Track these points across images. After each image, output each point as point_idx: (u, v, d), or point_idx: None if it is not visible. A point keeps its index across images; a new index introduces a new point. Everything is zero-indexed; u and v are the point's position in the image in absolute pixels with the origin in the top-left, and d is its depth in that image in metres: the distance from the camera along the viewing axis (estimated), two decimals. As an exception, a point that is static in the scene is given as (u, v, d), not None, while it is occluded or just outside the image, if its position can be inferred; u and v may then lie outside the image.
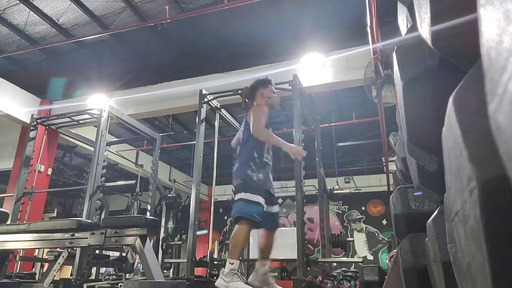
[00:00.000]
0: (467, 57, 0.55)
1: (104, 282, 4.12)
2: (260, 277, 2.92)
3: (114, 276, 5.20)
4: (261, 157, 3.01)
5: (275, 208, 3.12)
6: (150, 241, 2.94)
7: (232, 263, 2.74)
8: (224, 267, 2.84)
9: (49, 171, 7.47)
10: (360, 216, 11.46)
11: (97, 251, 4.75)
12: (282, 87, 4.24)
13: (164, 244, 5.45)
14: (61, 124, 5.59)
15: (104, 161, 4.64)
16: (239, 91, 4.11)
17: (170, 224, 8.63)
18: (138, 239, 2.79)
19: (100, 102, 6.42)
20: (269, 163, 3.10)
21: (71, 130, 6.07)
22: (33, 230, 3.08)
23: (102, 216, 5.60)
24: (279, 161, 9.95)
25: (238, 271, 2.78)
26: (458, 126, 0.41)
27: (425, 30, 0.59)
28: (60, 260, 3.17)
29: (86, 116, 5.20)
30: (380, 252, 10.75)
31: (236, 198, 2.90)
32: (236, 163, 3.08)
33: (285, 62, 6.29)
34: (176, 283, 3.20)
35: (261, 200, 2.85)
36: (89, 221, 3.55)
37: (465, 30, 0.49)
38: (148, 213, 5.22)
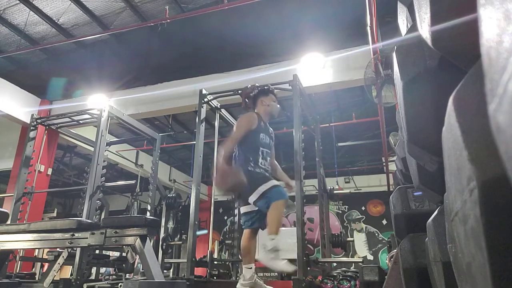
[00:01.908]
0: (467, 57, 0.55)
1: (104, 282, 4.12)
2: (247, 282, 2.90)
3: (114, 276, 5.20)
4: (256, 162, 3.06)
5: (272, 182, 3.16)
6: (150, 241, 2.94)
7: (274, 239, 2.76)
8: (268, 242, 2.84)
9: (49, 171, 7.47)
10: (360, 216, 11.46)
11: (97, 251, 4.75)
12: (282, 87, 4.24)
13: (164, 244, 5.44)
14: (61, 124, 5.59)
15: (104, 161, 4.64)
16: (239, 91, 4.10)
17: (170, 224, 8.63)
18: (138, 239, 2.79)
19: (100, 102, 6.42)
20: (265, 168, 3.13)
21: (71, 130, 6.07)
22: (33, 230, 3.08)
23: (102, 216, 5.60)
24: (279, 161, 9.97)
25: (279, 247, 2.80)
26: (458, 126, 0.41)
27: (425, 30, 0.59)
28: (60, 260, 3.17)
29: (86, 116, 5.20)
30: (380, 252, 10.75)
31: (256, 198, 2.86)
32: (235, 165, 3.11)
33: (285, 62, 6.29)
34: (176, 283, 3.20)
35: (276, 182, 2.94)
36: (89, 221, 3.55)
37: (465, 30, 0.49)
38: (148, 213, 5.22)
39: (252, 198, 2.90)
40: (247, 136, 3.10)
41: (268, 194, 2.85)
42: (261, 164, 3.08)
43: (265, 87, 3.43)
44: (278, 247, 2.77)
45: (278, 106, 3.46)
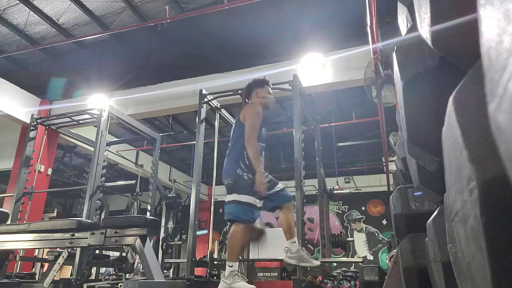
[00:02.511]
0: (467, 57, 0.55)
1: (104, 282, 4.12)
2: (295, 254, 2.91)
3: (114, 276, 5.19)
4: (250, 162, 2.93)
5: (279, 186, 3.09)
6: (150, 241, 2.94)
7: (231, 266, 2.74)
8: (225, 270, 2.84)
9: (49, 171, 7.46)
10: (360, 216, 11.46)
11: (97, 251, 4.75)
12: (282, 87, 4.24)
13: (164, 244, 5.45)
14: (61, 124, 5.59)
15: (104, 161, 4.64)
16: (239, 91, 4.11)
17: (170, 224, 8.63)
18: (138, 239, 2.79)
19: (100, 102, 6.42)
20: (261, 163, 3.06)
21: (71, 130, 6.07)
22: (33, 230, 3.08)
23: (102, 216, 5.59)
24: (279, 161, 9.97)
25: (238, 271, 2.77)
26: (458, 126, 0.41)
27: (425, 30, 0.59)
28: (60, 260, 3.17)
29: (86, 116, 5.20)
30: (380, 252, 10.75)
31: (228, 200, 2.87)
32: (226, 161, 3.03)
33: (285, 62, 6.28)
34: (176, 283, 3.20)
35: (252, 200, 2.82)
36: (89, 221, 3.55)
37: (465, 30, 0.49)
38: (148, 213, 5.23)
39: (226, 198, 2.88)
40: None
41: (234, 206, 2.80)
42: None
43: (261, 79, 3.30)
44: (236, 271, 2.74)
45: (274, 98, 3.35)
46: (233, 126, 3.23)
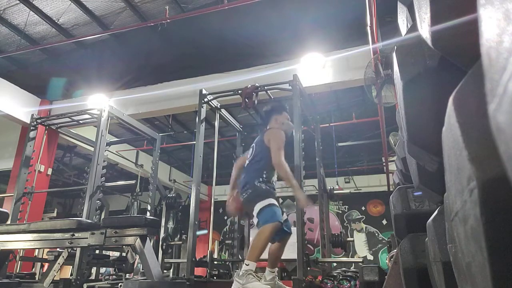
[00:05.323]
0: (467, 57, 0.55)
1: (104, 282, 4.12)
2: (268, 282, 2.92)
3: (114, 276, 5.19)
4: (269, 178, 3.02)
5: (283, 216, 3.09)
6: (150, 241, 2.94)
7: (248, 264, 2.71)
8: (239, 269, 2.84)
9: (49, 171, 7.46)
10: (360, 216, 11.46)
11: (97, 251, 4.75)
12: (282, 87, 4.24)
13: (164, 244, 5.45)
14: (61, 124, 5.59)
15: (104, 161, 4.64)
16: (239, 91, 4.11)
17: (170, 224, 8.63)
18: (138, 239, 2.79)
19: (100, 102, 6.42)
20: (274, 187, 3.08)
21: (71, 130, 6.07)
22: (33, 230, 3.08)
23: (102, 216, 5.60)
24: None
25: (253, 272, 2.74)
26: (458, 126, 0.41)
27: (425, 30, 0.59)
28: (60, 260, 3.17)
29: (86, 116, 5.20)
30: (380, 252, 10.75)
31: (256, 212, 2.85)
32: (245, 176, 3.07)
33: (285, 62, 6.28)
34: (176, 283, 3.20)
35: (272, 200, 2.88)
36: (89, 221, 3.55)
37: (465, 30, 0.49)
38: (148, 213, 5.23)
39: (256, 209, 2.88)
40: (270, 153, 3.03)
41: (261, 213, 2.81)
42: (273, 181, 3.05)
43: (279, 104, 3.35)
44: (252, 271, 2.71)
45: (292, 124, 3.42)
46: (254, 145, 3.23)
